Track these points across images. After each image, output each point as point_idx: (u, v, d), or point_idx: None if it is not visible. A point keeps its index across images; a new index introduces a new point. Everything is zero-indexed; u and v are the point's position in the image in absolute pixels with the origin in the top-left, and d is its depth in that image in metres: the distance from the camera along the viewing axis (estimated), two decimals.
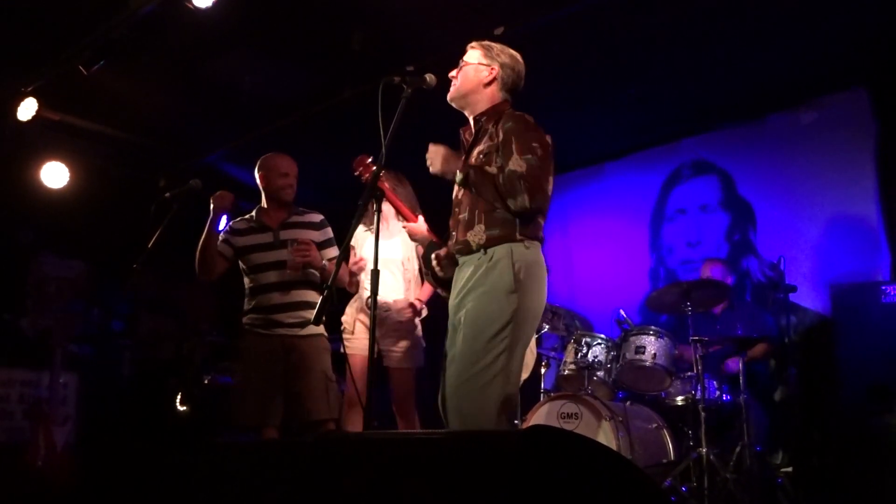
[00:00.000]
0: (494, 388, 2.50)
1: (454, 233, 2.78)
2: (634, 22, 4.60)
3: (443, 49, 4.46)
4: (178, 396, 5.94)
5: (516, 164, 2.58)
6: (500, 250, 2.61)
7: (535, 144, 2.63)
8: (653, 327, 4.66)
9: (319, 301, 2.65)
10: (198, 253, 3.75)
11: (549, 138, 2.72)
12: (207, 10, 4.29)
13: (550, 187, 2.68)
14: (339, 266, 2.81)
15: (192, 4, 4.26)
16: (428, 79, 2.81)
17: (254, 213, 3.88)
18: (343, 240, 2.84)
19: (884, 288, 4.20)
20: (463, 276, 2.69)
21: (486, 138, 2.75)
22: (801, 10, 4.44)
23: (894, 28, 4.57)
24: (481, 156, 2.72)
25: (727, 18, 4.56)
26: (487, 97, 2.82)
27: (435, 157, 2.79)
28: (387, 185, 3.24)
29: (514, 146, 2.61)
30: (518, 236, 2.63)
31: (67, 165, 6.05)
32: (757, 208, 5.70)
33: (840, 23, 4.55)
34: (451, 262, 2.82)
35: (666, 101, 5.62)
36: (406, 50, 4.73)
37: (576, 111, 5.68)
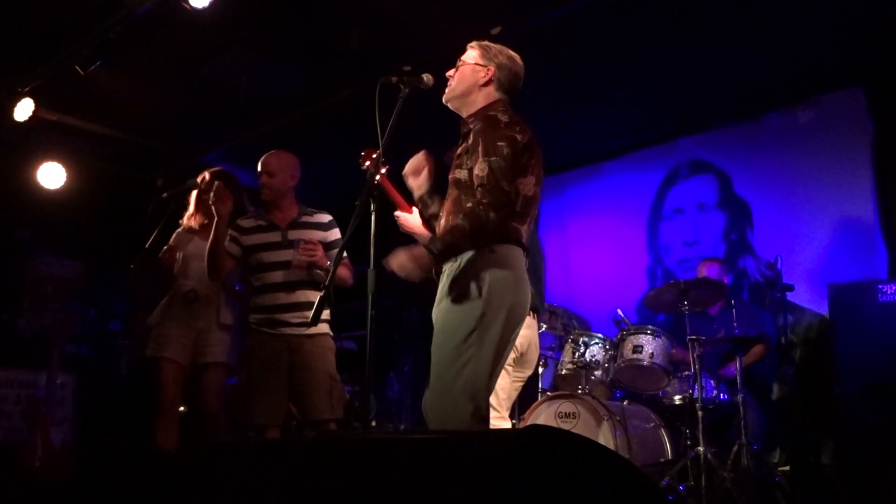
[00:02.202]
0: (462, 395, 2.48)
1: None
2: (631, 21, 4.61)
3: (440, 49, 4.47)
4: None
5: (479, 167, 2.55)
6: (465, 257, 2.58)
7: (500, 143, 2.55)
8: (650, 327, 4.67)
9: (316, 302, 2.65)
10: (207, 254, 3.74)
11: (524, 133, 2.61)
12: (204, 9, 4.28)
13: (528, 181, 2.60)
14: (336, 266, 2.81)
15: (189, 4, 4.25)
16: (425, 79, 2.80)
17: (263, 211, 3.88)
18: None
19: (881, 287, 4.20)
20: (441, 283, 2.68)
21: (464, 141, 2.74)
22: (798, 9, 4.45)
23: (891, 27, 4.58)
24: (456, 158, 2.71)
25: (724, 17, 4.56)
26: (483, 98, 2.78)
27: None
28: (385, 179, 3.22)
29: (479, 148, 2.57)
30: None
31: (64, 165, 6.04)
32: (754, 207, 5.71)
33: (837, 21, 4.56)
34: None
35: (663, 100, 5.62)
36: (403, 49, 4.73)
37: (573, 110, 5.69)
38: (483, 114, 2.73)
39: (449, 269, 2.63)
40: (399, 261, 2.57)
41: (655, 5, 4.45)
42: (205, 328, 3.95)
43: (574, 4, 4.35)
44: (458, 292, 2.56)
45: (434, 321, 2.68)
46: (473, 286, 2.54)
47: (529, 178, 2.61)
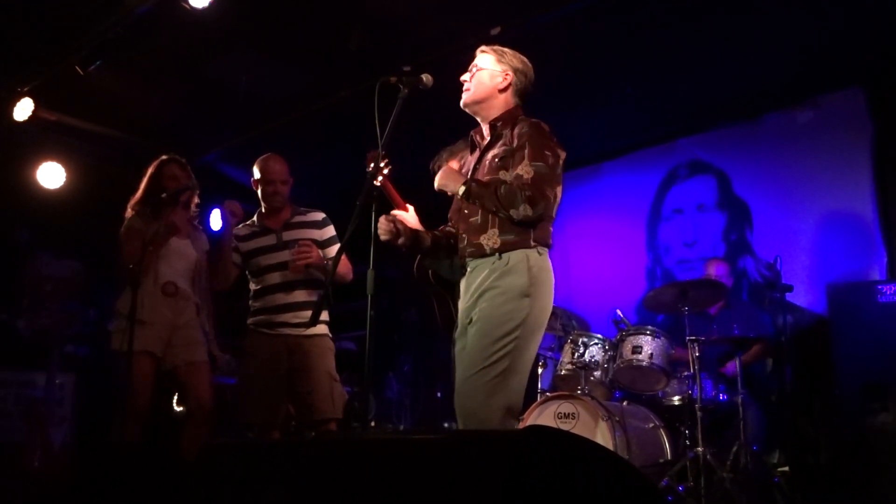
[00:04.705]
0: (499, 386, 2.53)
1: (464, 235, 2.77)
2: (631, 21, 4.61)
3: (440, 49, 4.47)
4: (175, 397, 5.94)
5: (524, 169, 2.62)
6: (515, 255, 2.64)
7: (547, 152, 2.65)
8: (650, 327, 4.67)
9: (315, 302, 2.66)
10: (214, 265, 3.77)
11: (562, 148, 2.73)
12: (204, 9, 4.28)
13: (558, 195, 2.71)
14: (335, 266, 2.82)
15: (189, 4, 4.25)
16: (424, 79, 2.81)
17: (255, 218, 3.89)
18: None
19: (880, 287, 4.21)
20: (475, 279, 2.70)
21: (500, 143, 2.77)
22: (797, 10, 4.45)
23: (891, 27, 4.58)
24: (496, 160, 2.73)
25: (724, 18, 4.56)
26: (502, 102, 2.84)
27: (439, 174, 2.84)
28: (387, 180, 3.21)
29: (526, 151, 2.64)
30: (532, 242, 2.67)
31: (64, 165, 6.03)
32: (753, 208, 5.71)
33: (836, 22, 4.56)
34: (415, 239, 2.85)
35: (662, 100, 5.62)
36: (403, 49, 4.73)
37: (573, 111, 5.68)
38: (511, 116, 2.80)
39: (492, 265, 2.66)
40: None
41: (655, 6, 4.45)
42: (185, 324, 3.86)
43: (574, 5, 4.35)
44: (510, 286, 2.62)
45: (468, 314, 2.69)
46: (526, 282, 2.62)
47: (559, 188, 2.73)
